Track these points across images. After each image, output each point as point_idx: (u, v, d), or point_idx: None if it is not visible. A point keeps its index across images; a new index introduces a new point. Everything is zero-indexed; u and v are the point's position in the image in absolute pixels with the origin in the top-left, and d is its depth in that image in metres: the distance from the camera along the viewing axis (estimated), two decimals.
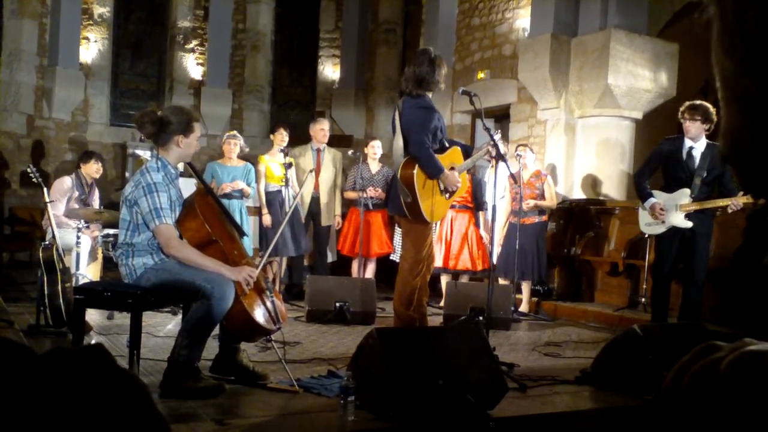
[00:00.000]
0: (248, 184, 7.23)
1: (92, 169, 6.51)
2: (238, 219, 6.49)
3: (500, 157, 4.82)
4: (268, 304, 3.86)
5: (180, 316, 4.62)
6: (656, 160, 5.65)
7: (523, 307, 7.15)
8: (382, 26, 12.67)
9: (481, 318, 5.95)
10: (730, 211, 5.34)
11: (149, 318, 5.41)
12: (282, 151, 7.14)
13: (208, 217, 3.79)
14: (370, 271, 7.63)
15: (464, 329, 4.87)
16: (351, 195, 7.71)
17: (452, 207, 7.08)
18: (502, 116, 9.85)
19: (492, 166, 6.53)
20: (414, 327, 4.71)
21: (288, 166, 7.02)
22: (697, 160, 5.44)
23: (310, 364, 4.43)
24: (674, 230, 5.48)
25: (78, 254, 5.68)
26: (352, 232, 7.63)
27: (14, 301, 6.25)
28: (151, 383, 3.62)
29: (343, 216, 7.95)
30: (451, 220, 7.28)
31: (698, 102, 5.46)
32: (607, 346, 4.29)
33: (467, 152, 5.14)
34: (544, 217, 7.26)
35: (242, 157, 7.41)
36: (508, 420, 3.41)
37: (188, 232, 3.75)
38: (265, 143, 10.63)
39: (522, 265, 6.90)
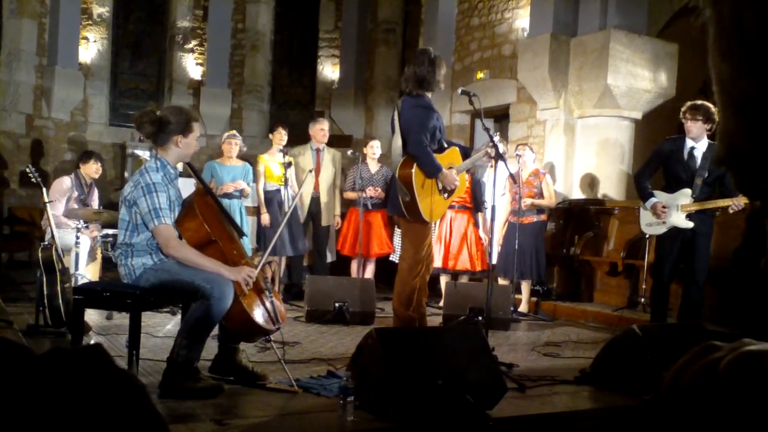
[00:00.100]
0: (247, 184, 7.24)
1: (91, 169, 6.50)
2: (237, 219, 6.49)
3: (499, 156, 4.82)
4: (268, 304, 3.86)
5: (179, 317, 4.62)
6: (657, 160, 5.65)
7: (523, 307, 7.15)
8: (382, 26, 12.67)
9: (480, 318, 5.95)
10: (731, 211, 5.34)
11: (148, 318, 5.41)
12: (281, 150, 7.15)
13: (207, 217, 3.79)
14: (369, 272, 7.63)
15: (463, 329, 4.88)
16: (350, 195, 7.71)
17: (451, 207, 7.09)
18: (501, 116, 9.85)
19: (491, 166, 6.54)
20: (413, 327, 4.71)
21: (287, 165, 7.02)
22: (699, 161, 5.43)
23: (309, 364, 4.42)
24: (675, 230, 5.48)
25: (77, 254, 5.67)
26: (352, 233, 7.63)
27: (13, 301, 6.25)
28: (150, 383, 3.62)
29: (343, 216, 7.95)
30: (451, 221, 7.28)
31: (700, 102, 5.45)
32: (606, 346, 4.29)
33: (466, 154, 5.15)
34: (543, 217, 7.26)
35: (241, 156, 7.41)
36: (508, 420, 3.42)
37: (187, 232, 3.75)
38: (264, 143, 10.63)
39: (521, 264, 6.90)
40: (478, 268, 7.26)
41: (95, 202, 6.61)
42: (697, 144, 5.44)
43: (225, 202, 6.82)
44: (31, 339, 4.85)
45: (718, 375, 0.62)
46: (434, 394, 3.22)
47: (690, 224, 5.41)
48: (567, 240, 8.00)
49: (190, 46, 12.54)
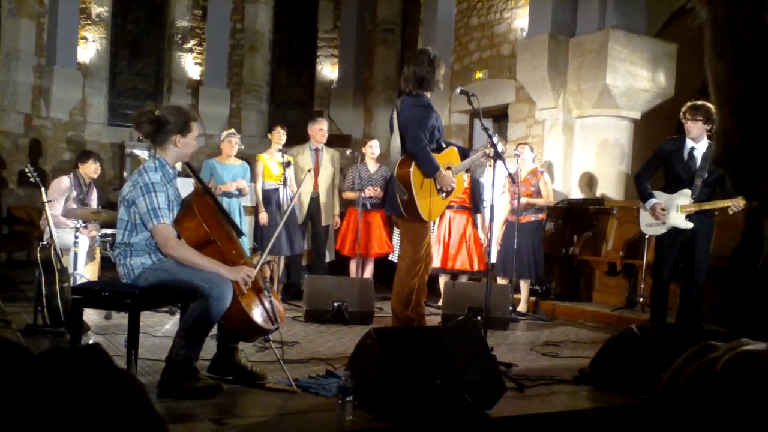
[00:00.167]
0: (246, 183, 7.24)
1: (90, 169, 6.50)
2: (235, 218, 6.49)
3: (498, 156, 4.82)
4: (266, 303, 3.86)
5: (178, 316, 4.62)
6: (657, 160, 5.65)
7: (521, 307, 7.15)
8: (381, 26, 12.67)
9: (479, 318, 5.95)
10: (731, 212, 5.34)
11: (147, 318, 5.40)
12: (280, 150, 7.15)
13: (206, 216, 3.79)
14: (368, 271, 7.63)
15: (462, 329, 4.87)
16: (349, 195, 7.71)
17: (450, 207, 7.09)
18: (500, 116, 9.85)
19: (490, 166, 6.54)
20: (412, 327, 4.71)
21: (286, 165, 7.02)
22: (699, 161, 5.44)
23: (308, 363, 4.42)
24: (675, 231, 5.48)
25: (76, 254, 5.67)
26: (351, 232, 7.63)
27: (12, 300, 6.25)
28: (149, 383, 3.62)
29: (342, 216, 7.95)
30: (449, 221, 7.29)
31: (700, 102, 5.44)
32: (605, 346, 4.29)
33: (464, 155, 5.15)
34: (541, 216, 7.25)
35: (239, 156, 7.41)
36: (506, 420, 3.42)
37: (186, 232, 3.75)
38: (263, 142, 10.63)
39: (519, 264, 6.91)
40: (477, 268, 7.26)
41: (94, 202, 6.61)
42: (697, 144, 5.44)
43: (224, 201, 6.83)
44: (30, 339, 4.84)
45: (715, 375, 0.63)
46: (433, 394, 3.22)
47: (689, 225, 5.42)
48: (566, 240, 8.00)
49: (189, 45, 12.54)
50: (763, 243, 0.63)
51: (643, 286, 6.90)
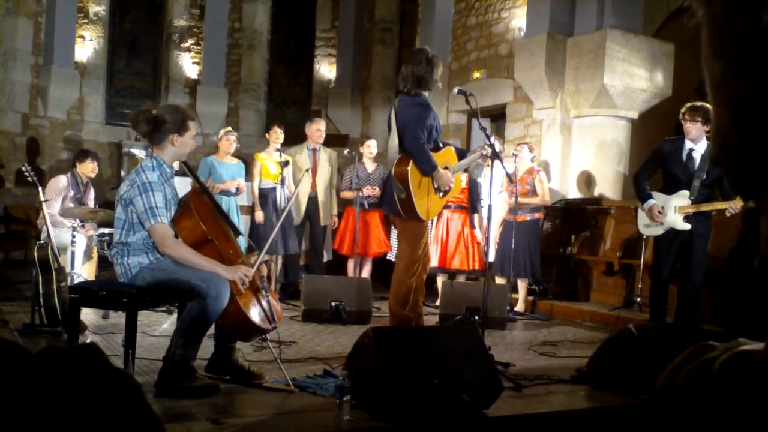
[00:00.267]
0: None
1: (88, 168, 6.49)
2: (232, 217, 6.48)
3: (496, 156, 4.82)
4: (264, 303, 3.86)
5: (175, 316, 4.62)
6: (656, 161, 5.65)
7: (519, 307, 7.15)
8: (379, 25, 12.67)
9: (476, 317, 5.95)
10: (728, 214, 5.34)
11: (144, 317, 5.39)
12: (278, 149, 7.15)
13: (203, 216, 3.79)
14: (366, 271, 7.63)
15: (460, 329, 4.87)
16: (347, 195, 7.71)
17: (448, 207, 7.09)
18: (498, 116, 9.86)
19: (488, 165, 6.55)
20: (410, 326, 4.71)
21: (284, 164, 7.01)
22: (697, 162, 5.44)
23: (305, 363, 4.42)
24: (672, 232, 5.49)
25: (73, 253, 5.66)
26: (350, 232, 7.63)
27: (9, 300, 6.24)
28: (146, 382, 3.61)
29: (339, 216, 7.95)
30: (447, 220, 7.29)
31: (699, 103, 5.44)
32: (603, 346, 4.29)
33: (462, 156, 5.15)
34: (537, 215, 7.25)
35: (237, 155, 7.41)
36: (504, 419, 3.42)
37: (183, 231, 3.75)
38: (261, 142, 10.63)
39: (515, 263, 6.91)
40: (475, 268, 7.26)
41: (91, 201, 6.60)
42: (696, 145, 5.44)
43: (224, 199, 6.83)
44: (27, 338, 4.84)
45: (713, 375, 0.63)
46: (430, 394, 3.22)
47: (687, 226, 5.42)
48: (564, 239, 8.00)
49: (187, 44, 12.53)
50: (760, 244, 0.62)
51: (640, 285, 6.90)
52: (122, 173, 11.04)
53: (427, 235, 5.10)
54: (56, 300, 5.00)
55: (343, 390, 3.16)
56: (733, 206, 5.23)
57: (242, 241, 6.05)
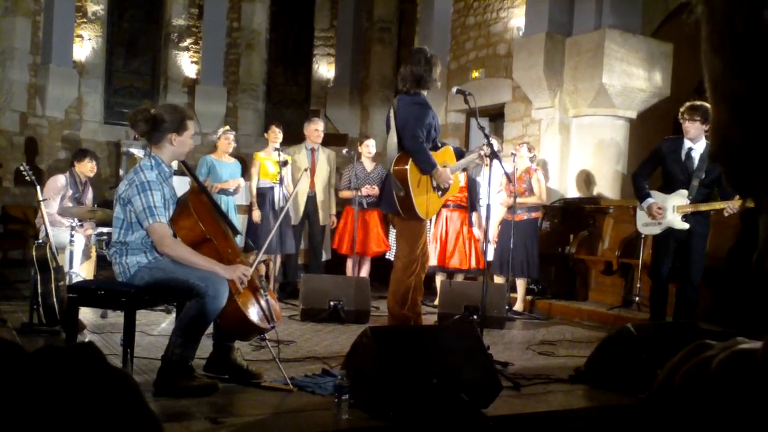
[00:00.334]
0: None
1: (86, 168, 6.49)
2: (230, 216, 6.48)
3: (494, 155, 4.82)
4: (262, 302, 3.86)
5: (174, 315, 4.61)
6: (655, 160, 5.66)
7: (518, 306, 7.16)
8: (377, 25, 12.66)
9: (475, 317, 5.95)
10: (726, 214, 5.35)
11: (143, 316, 5.40)
12: (277, 149, 7.14)
13: (201, 215, 3.79)
14: (364, 270, 7.63)
15: (458, 328, 4.88)
16: (346, 194, 7.71)
17: (447, 206, 7.09)
18: (496, 115, 9.86)
19: (486, 165, 6.54)
20: (408, 326, 4.71)
21: (283, 163, 7.01)
22: (696, 161, 5.44)
23: (304, 362, 4.42)
24: (671, 231, 5.49)
25: (71, 252, 5.66)
26: (349, 231, 7.62)
27: (7, 299, 6.23)
28: (145, 382, 3.61)
29: (338, 215, 7.94)
30: (446, 220, 7.29)
31: (698, 103, 5.44)
32: (601, 345, 4.29)
33: (461, 155, 5.16)
34: (534, 214, 7.26)
35: (235, 154, 7.41)
36: (503, 418, 3.42)
37: (182, 231, 3.74)
38: (259, 141, 10.62)
39: (513, 262, 6.91)
40: (474, 267, 7.27)
41: (89, 201, 6.60)
42: (695, 145, 5.44)
43: (223, 198, 6.83)
44: (25, 337, 4.83)
45: (710, 373, 0.63)
46: (429, 393, 3.22)
47: (685, 225, 5.42)
48: (562, 239, 8.01)
49: (185, 44, 12.52)
50: (758, 243, 0.62)
51: (639, 285, 6.90)
52: (121, 172, 11.03)
53: (426, 235, 5.10)
54: (55, 299, 5.00)
55: (342, 389, 3.16)
56: (731, 206, 5.23)
57: (240, 240, 6.05)
